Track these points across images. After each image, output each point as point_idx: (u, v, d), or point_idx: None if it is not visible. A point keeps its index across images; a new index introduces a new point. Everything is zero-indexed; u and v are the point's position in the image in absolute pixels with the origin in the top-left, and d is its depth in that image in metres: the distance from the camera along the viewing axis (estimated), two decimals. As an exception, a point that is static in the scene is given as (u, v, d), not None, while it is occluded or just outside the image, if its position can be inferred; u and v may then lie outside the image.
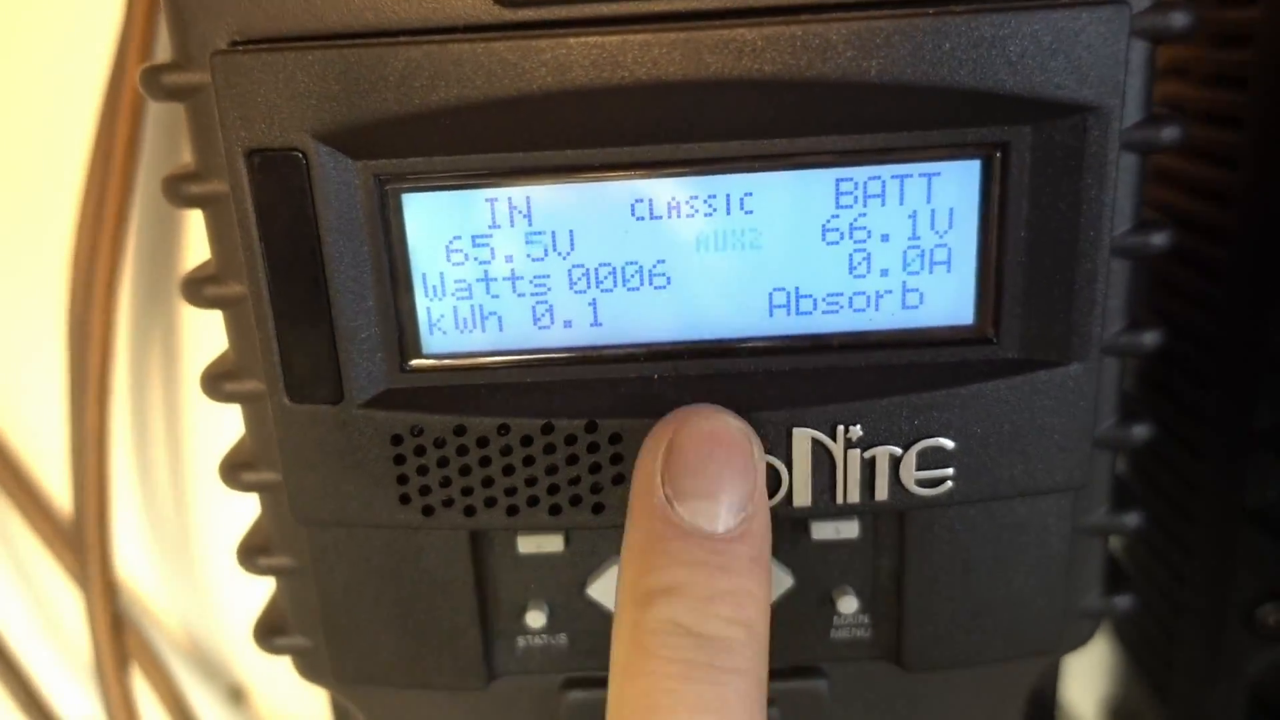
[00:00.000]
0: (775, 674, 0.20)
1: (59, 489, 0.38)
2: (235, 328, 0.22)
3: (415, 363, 0.21)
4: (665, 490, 0.19)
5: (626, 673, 0.18)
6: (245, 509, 0.24)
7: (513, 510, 0.21)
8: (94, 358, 0.33)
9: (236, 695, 0.41)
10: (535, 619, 0.23)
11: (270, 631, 0.24)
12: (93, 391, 0.33)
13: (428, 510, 0.21)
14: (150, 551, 0.39)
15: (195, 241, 0.35)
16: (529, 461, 0.20)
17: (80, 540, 0.35)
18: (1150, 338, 0.21)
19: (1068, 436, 0.21)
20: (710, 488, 0.19)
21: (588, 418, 0.20)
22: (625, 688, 0.18)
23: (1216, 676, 0.29)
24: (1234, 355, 0.27)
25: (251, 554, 0.24)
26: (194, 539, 0.39)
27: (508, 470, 0.20)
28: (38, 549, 0.38)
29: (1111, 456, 0.22)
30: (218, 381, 0.22)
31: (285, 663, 0.41)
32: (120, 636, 0.35)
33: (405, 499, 0.21)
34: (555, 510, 0.21)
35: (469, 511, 0.21)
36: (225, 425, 0.36)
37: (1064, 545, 0.22)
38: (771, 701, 0.23)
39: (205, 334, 0.36)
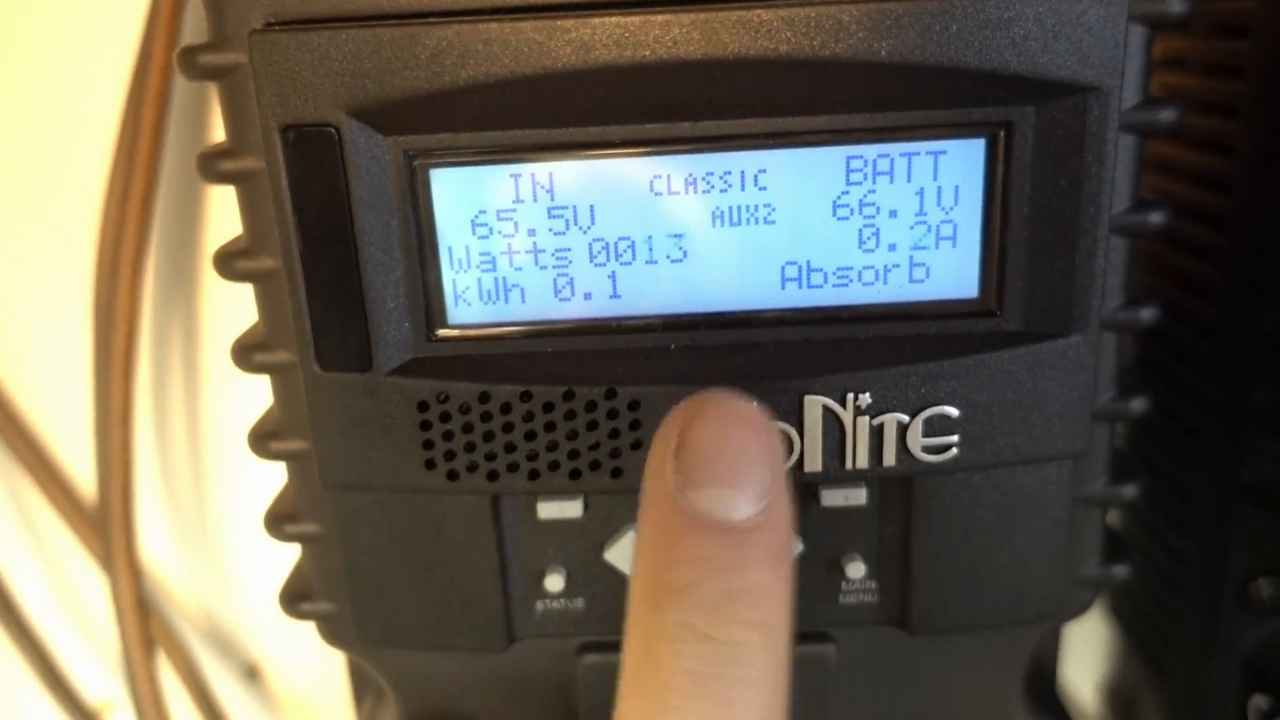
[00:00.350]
0: None
1: (83, 472, 0.39)
2: (266, 300, 0.22)
3: (441, 332, 0.22)
4: (678, 478, 0.17)
5: (633, 682, 0.17)
6: (262, 490, 0.24)
7: (534, 475, 0.22)
8: (119, 340, 0.34)
9: (251, 673, 0.42)
10: (554, 583, 0.23)
11: (295, 598, 0.25)
12: (117, 373, 0.34)
13: (452, 475, 0.22)
14: (168, 531, 0.40)
15: (216, 224, 0.36)
16: (550, 427, 0.21)
17: (105, 524, 0.35)
18: (1147, 314, 0.22)
19: (1068, 406, 0.21)
20: (728, 475, 0.17)
21: (607, 385, 0.21)
22: (630, 699, 0.17)
23: (1212, 652, 0.30)
24: (1231, 338, 0.28)
25: (278, 521, 0.24)
26: (211, 520, 0.40)
27: (529, 436, 0.21)
28: (61, 531, 0.39)
29: (1110, 429, 0.23)
30: (248, 352, 0.23)
31: (298, 642, 0.42)
32: (146, 620, 0.36)
33: (430, 464, 0.22)
34: (575, 475, 0.21)
35: (492, 476, 0.22)
36: (243, 406, 0.37)
37: (1064, 514, 0.23)
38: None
39: (225, 317, 0.37)
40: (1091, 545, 0.24)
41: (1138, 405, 0.23)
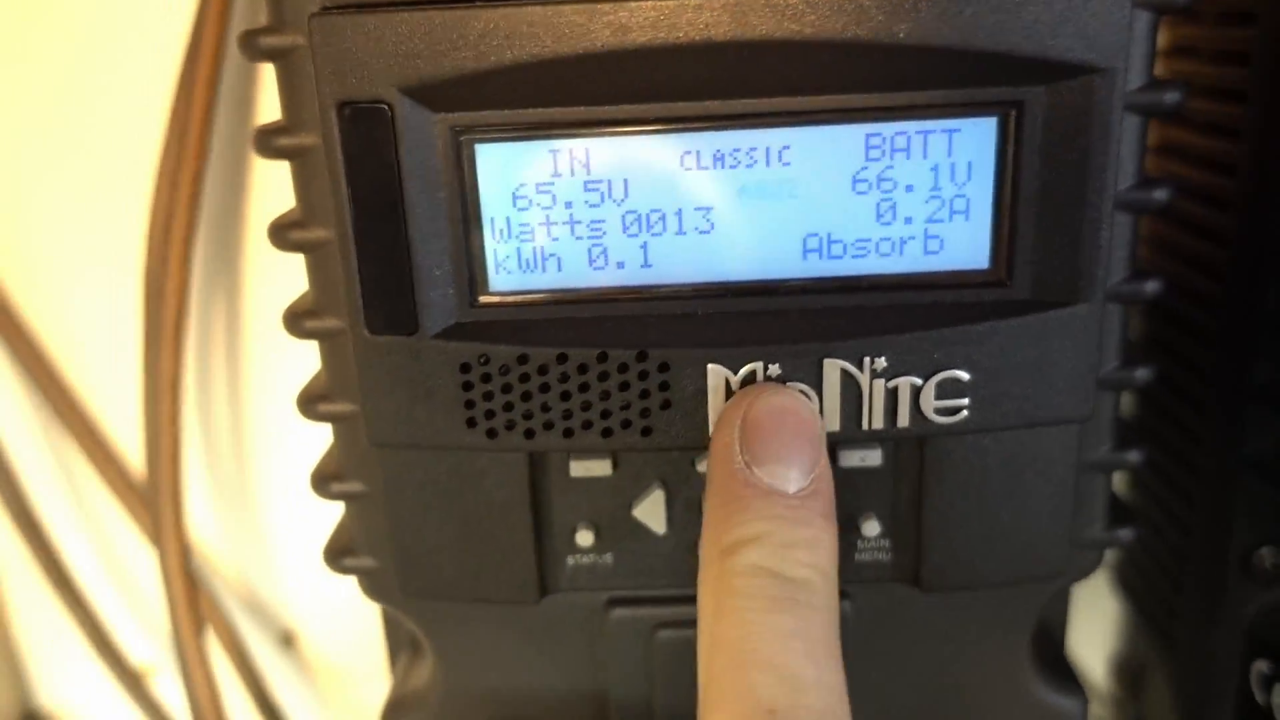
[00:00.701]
0: None
1: (132, 448, 0.40)
2: (317, 269, 0.24)
3: (483, 298, 0.23)
4: (744, 457, 0.21)
5: (717, 614, 0.20)
6: (299, 465, 0.26)
7: (568, 433, 0.23)
8: (168, 314, 0.36)
9: (287, 640, 0.44)
10: (584, 538, 0.25)
11: (339, 554, 0.27)
12: (167, 348, 0.36)
13: (491, 433, 0.23)
14: (210, 502, 0.42)
15: (259, 203, 0.37)
16: (584, 388, 0.23)
17: (154, 499, 0.37)
18: (1151, 286, 0.23)
19: (1073, 372, 0.23)
20: (784, 453, 0.21)
21: (638, 348, 0.22)
22: (717, 627, 0.20)
23: (1216, 620, 0.31)
24: (1234, 316, 0.29)
25: (324, 481, 0.26)
26: (251, 491, 0.42)
27: (564, 396, 0.23)
28: (110, 502, 0.40)
29: (1115, 398, 0.24)
30: (299, 319, 0.24)
31: (332, 611, 0.43)
32: (193, 593, 0.37)
33: (471, 422, 0.23)
34: (607, 433, 0.23)
35: (529, 434, 0.23)
36: (284, 379, 0.39)
37: (1070, 476, 0.24)
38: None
39: (266, 293, 0.38)
40: (1097, 509, 0.25)
41: (1142, 374, 0.24)
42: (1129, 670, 0.39)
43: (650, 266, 0.23)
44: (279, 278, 0.38)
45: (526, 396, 0.23)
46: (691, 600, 0.21)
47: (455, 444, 0.23)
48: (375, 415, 0.24)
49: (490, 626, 0.26)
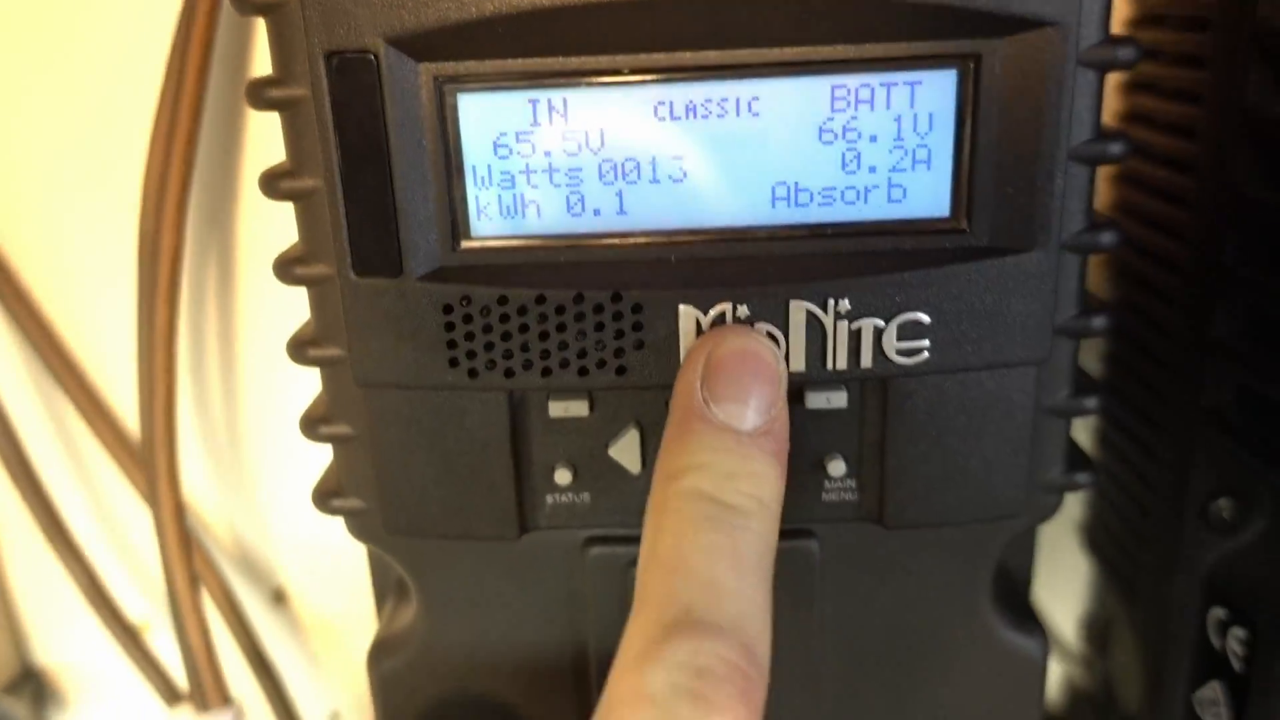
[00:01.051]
0: None
1: (128, 408, 0.41)
2: (306, 217, 0.25)
3: (464, 243, 0.24)
4: (703, 393, 0.22)
5: (655, 531, 0.22)
6: (291, 421, 0.27)
7: (546, 371, 0.24)
8: (164, 272, 0.36)
9: (278, 597, 0.45)
10: (563, 477, 0.26)
11: (326, 495, 0.28)
12: (162, 304, 0.37)
13: (473, 373, 0.24)
14: (202, 461, 0.43)
15: (251, 160, 0.38)
16: (561, 328, 0.24)
17: (150, 458, 0.38)
18: (1107, 238, 0.24)
19: (1030, 316, 0.24)
20: (742, 393, 0.22)
21: (613, 289, 0.23)
22: (653, 543, 0.22)
23: (1176, 570, 0.32)
24: (1194, 273, 0.30)
25: (313, 424, 0.27)
26: (242, 451, 0.43)
27: (543, 335, 0.24)
28: (104, 460, 0.41)
29: (1073, 346, 0.25)
30: (289, 266, 0.25)
31: (321, 568, 0.44)
32: (189, 552, 0.38)
33: (454, 362, 0.24)
34: (583, 372, 0.24)
35: (508, 373, 0.24)
36: (276, 339, 0.40)
37: (1028, 420, 0.25)
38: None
39: (257, 249, 0.39)
40: (1056, 453, 0.26)
41: (1098, 323, 0.25)
42: (1097, 628, 0.40)
43: (625, 214, 0.24)
44: (270, 235, 0.38)
45: (506, 336, 0.24)
46: None
47: (438, 383, 0.24)
48: (362, 356, 0.25)
49: (472, 565, 0.27)
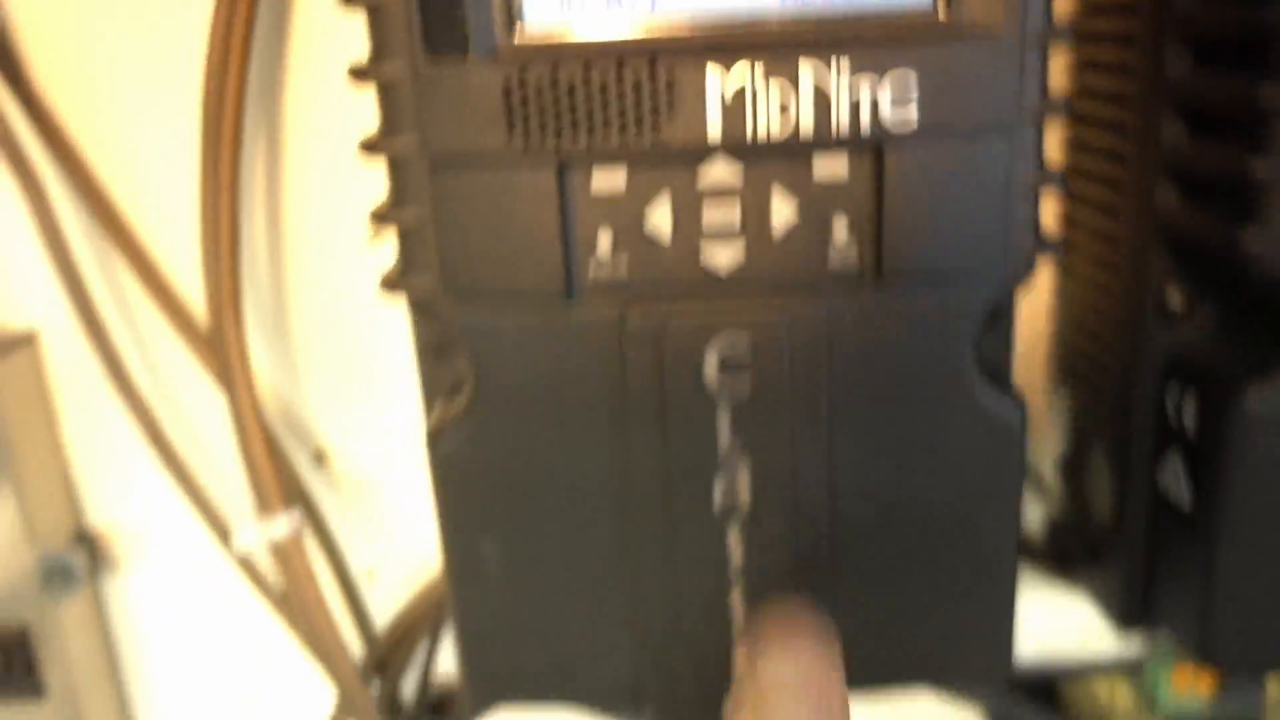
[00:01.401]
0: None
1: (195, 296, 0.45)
2: (378, 19, 0.29)
3: (519, 24, 0.28)
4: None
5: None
6: (332, 289, 0.30)
7: (591, 131, 0.28)
8: (225, 151, 0.40)
9: (320, 457, 0.48)
10: (603, 245, 0.30)
11: (392, 282, 0.32)
12: (225, 179, 0.40)
13: (526, 139, 0.28)
14: (250, 328, 0.46)
15: (300, 38, 0.42)
16: (604, 90, 0.28)
17: (220, 341, 0.41)
18: (1063, 33, 0.29)
19: (999, 89, 0.28)
20: None
21: (649, 56, 0.28)
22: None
23: (1136, 361, 0.36)
24: (1131, 217, 0.35)
25: (382, 216, 0.31)
26: (289, 320, 0.46)
27: (588, 102, 0.28)
28: (175, 341, 0.45)
29: (1037, 125, 0.30)
30: (362, 72, 0.29)
31: (359, 431, 0.48)
32: (266, 436, 0.42)
33: (510, 127, 0.28)
34: (623, 129, 0.28)
35: (558, 135, 0.28)
36: (321, 214, 0.44)
37: (1001, 185, 0.29)
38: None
39: (305, 118, 0.43)
40: (1027, 224, 0.30)
41: (1065, 105, 0.29)
42: (1071, 462, 0.44)
43: (656, 8, 0.28)
44: (316, 119, 0.43)
45: (556, 102, 0.28)
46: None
47: (498, 149, 0.28)
48: (430, 129, 0.29)
49: (523, 332, 0.31)
